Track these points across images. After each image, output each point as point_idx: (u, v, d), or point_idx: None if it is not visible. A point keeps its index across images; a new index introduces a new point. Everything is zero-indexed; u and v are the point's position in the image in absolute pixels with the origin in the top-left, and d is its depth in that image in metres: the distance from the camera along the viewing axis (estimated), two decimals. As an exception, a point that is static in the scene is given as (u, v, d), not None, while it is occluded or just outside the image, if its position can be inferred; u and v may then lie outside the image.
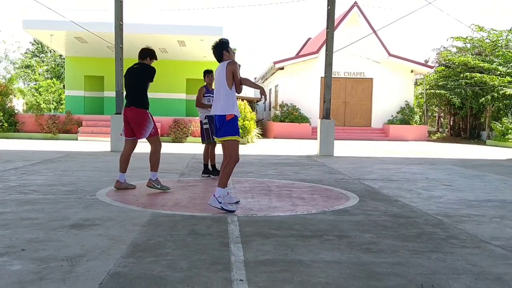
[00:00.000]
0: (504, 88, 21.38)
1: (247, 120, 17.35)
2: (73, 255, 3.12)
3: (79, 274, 2.76)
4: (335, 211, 4.80)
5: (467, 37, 24.59)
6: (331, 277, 2.81)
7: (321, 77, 20.95)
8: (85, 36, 17.64)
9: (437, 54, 27.77)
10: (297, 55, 26.13)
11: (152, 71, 6.01)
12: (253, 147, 15.57)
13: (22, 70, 40.79)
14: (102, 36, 16.81)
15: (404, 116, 23.10)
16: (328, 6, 12.10)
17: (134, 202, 5.06)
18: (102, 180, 6.68)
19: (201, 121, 7.25)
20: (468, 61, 22.85)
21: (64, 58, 28.79)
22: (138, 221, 4.15)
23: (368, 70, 23.64)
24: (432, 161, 11.10)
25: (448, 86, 23.63)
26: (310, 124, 21.96)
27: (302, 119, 22.20)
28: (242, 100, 18.57)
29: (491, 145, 19.79)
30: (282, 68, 23.44)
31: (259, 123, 24.40)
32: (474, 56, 23.84)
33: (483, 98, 21.96)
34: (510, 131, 19.39)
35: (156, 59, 6.16)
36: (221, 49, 4.81)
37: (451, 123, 27.01)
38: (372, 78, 23.78)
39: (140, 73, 5.96)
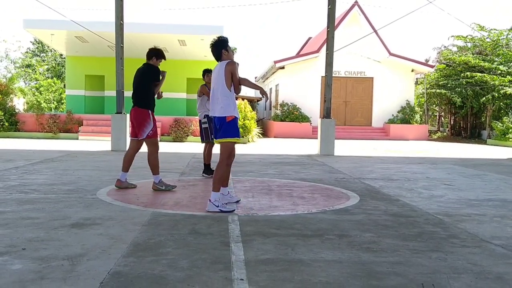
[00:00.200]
0: (504, 88, 21.36)
1: (248, 119, 17.35)
2: (74, 254, 3.12)
3: (80, 273, 2.76)
4: (336, 211, 4.80)
5: (467, 36, 24.57)
6: (331, 277, 2.81)
7: (322, 77, 20.93)
8: (85, 35, 17.64)
9: (437, 53, 27.75)
10: (298, 55, 26.12)
11: (156, 71, 5.96)
12: (254, 146, 15.57)
13: (22, 69, 40.79)
14: (102, 36, 16.81)
15: (405, 116, 23.09)
16: (328, 6, 12.09)
17: (134, 202, 5.06)
18: (103, 180, 6.69)
19: (200, 121, 7.24)
20: (468, 60, 22.83)
21: (64, 58, 28.81)
22: (139, 220, 4.16)
23: (369, 69, 23.62)
24: (433, 161, 11.10)
25: (449, 85, 23.61)
26: (310, 123, 21.95)
27: (303, 118, 22.19)
28: (243, 99, 18.58)
29: (491, 145, 19.77)
30: (283, 68, 23.43)
31: (260, 122, 24.40)
32: (474, 55, 23.82)
33: (484, 98, 21.95)
34: (510, 130, 19.37)
35: (163, 58, 6.03)
36: (220, 48, 4.72)
37: (452, 123, 27.00)
38: (372, 78, 23.77)
39: (144, 74, 5.94)
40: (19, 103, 28.04)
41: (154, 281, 2.67)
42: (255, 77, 34.39)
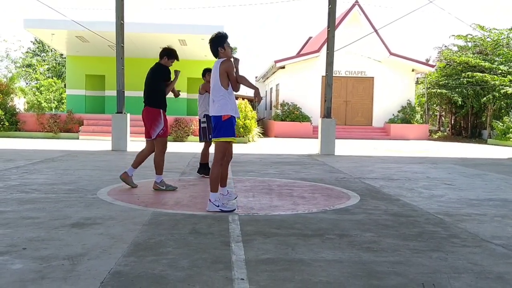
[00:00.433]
0: (505, 87, 21.35)
1: (248, 119, 17.35)
2: (74, 254, 3.12)
3: (80, 273, 2.76)
4: (336, 210, 4.80)
5: (467, 35, 24.54)
6: (332, 276, 2.81)
7: (322, 76, 20.92)
8: (86, 35, 17.65)
9: (438, 53, 27.74)
10: (298, 54, 26.11)
11: (165, 71, 5.94)
12: (254, 146, 15.57)
13: (23, 69, 40.80)
14: (103, 35, 16.82)
15: (405, 115, 23.08)
16: (329, 5, 12.09)
17: (135, 201, 5.06)
18: (103, 179, 6.69)
19: (199, 120, 7.24)
20: (469, 60, 22.81)
21: (65, 57, 28.81)
22: (139, 220, 4.16)
23: (369, 69, 23.61)
24: (433, 160, 11.09)
25: (449, 85, 23.60)
26: (311, 123, 21.95)
27: (303, 118, 22.19)
28: (243, 99, 18.57)
29: (492, 144, 19.76)
30: (283, 67, 23.42)
31: (260, 122, 24.40)
32: (475, 55, 23.80)
33: (485, 98, 21.93)
34: (511, 130, 19.36)
35: (175, 59, 6.01)
36: (216, 45, 4.61)
37: (452, 122, 26.99)
38: (373, 77, 23.76)
39: (154, 73, 5.94)
40: (19, 103, 28.03)
41: (154, 280, 2.67)
42: (256, 77, 34.39)
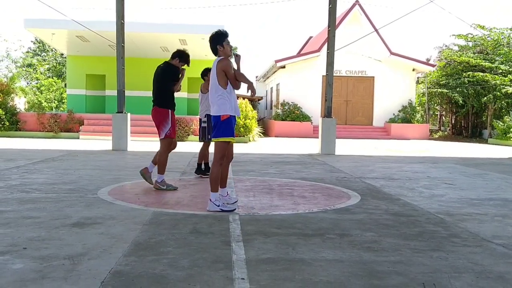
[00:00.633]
0: (506, 87, 21.33)
1: (249, 118, 17.35)
2: (75, 253, 3.12)
3: (81, 272, 2.76)
4: (337, 210, 4.80)
5: (467, 34, 24.53)
6: (332, 276, 2.81)
7: (323, 76, 20.91)
8: (86, 35, 17.65)
9: (439, 53, 27.73)
10: (299, 54, 26.11)
11: (175, 71, 5.93)
12: (255, 145, 15.57)
13: (23, 69, 40.82)
14: (103, 35, 16.82)
15: (406, 115, 23.07)
16: (329, 5, 12.08)
17: (135, 201, 5.06)
18: (104, 179, 6.69)
19: (200, 119, 7.23)
20: (469, 60, 22.80)
21: (65, 57, 28.81)
22: (140, 219, 4.16)
23: (370, 68, 23.61)
24: (434, 160, 11.09)
25: (450, 84, 23.59)
26: (311, 122, 21.95)
27: (304, 117, 22.18)
28: (243, 98, 18.57)
29: (492, 144, 19.75)
30: (284, 67, 23.42)
31: (261, 121, 24.40)
32: (475, 54, 23.78)
33: (485, 97, 21.91)
34: (511, 129, 19.34)
35: (186, 63, 6.00)
36: (215, 43, 4.58)
37: (453, 122, 26.97)
38: (373, 77, 23.75)
39: (163, 73, 5.92)
40: (20, 103, 28.04)
41: (155, 280, 2.67)
42: (256, 77, 34.41)
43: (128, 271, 2.81)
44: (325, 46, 14.06)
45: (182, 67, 6.04)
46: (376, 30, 22.30)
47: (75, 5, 62.83)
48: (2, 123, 17.40)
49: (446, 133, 27.43)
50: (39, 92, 34.58)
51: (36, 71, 40.45)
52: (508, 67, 22.20)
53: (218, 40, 4.59)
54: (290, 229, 3.92)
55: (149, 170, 5.99)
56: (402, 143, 18.93)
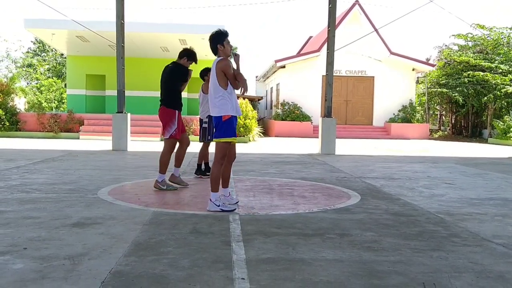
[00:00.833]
0: (506, 87, 21.33)
1: (249, 118, 17.35)
2: (75, 253, 3.12)
3: (81, 272, 2.76)
4: (337, 210, 4.80)
5: (467, 34, 24.52)
6: (332, 276, 2.81)
7: (323, 76, 20.91)
8: (86, 35, 17.65)
9: (438, 52, 27.73)
10: (299, 54, 26.11)
11: (184, 71, 5.94)
12: (255, 145, 15.57)
13: (23, 69, 40.82)
14: (103, 35, 16.82)
15: (406, 115, 23.07)
16: (329, 5, 12.08)
17: (135, 201, 5.06)
18: (104, 179, 6.69)
19: (201, 120, 7.22)
20: (469, 60, 22.79)
21: (65, 57, 28.80)
22: (140, 219, 4.16)
23: (370, 68, 23.61)
24: (434, 160, 11.09)
25: (450, 84, 23.59)
26: (311, 122, 21.95)
27: (304, 117, 22.18)
28: (244, 98, 18.57)
29: (492, 143, 19.75)
30: (284, 67, 23.42)
31: (261, 121, 24.40)
32: (475, 54, 23.78)
33: (486, 97, 21.90)
34: (511, 129, 19.34)
35: (194, 61, 5.98)
36: (216, 42, 4.57)
37: (453, 121, 26.96)
38: (373, 77, 23.75)
39: (171, 73, 5.93)
40: (20, 103, 28.04)
41: (155, 280, 2.67)
42: (256, 77, 34.41)
43: (128, 271, 2.81)
44: (325, 46, 14.06)
45: (190, 65, 6.03)
46: (376, 30, 22.30)
47: (75, 5, 62.80)
48: (2, 123, 17.40)
49: (446, 132, 27.43)
50: (39, 92, 34.59)
51: (36, 71, 40.45)
52: (508, 67, 22.20)
53: (219, 39, 4.58)
54: (290, 229, 3.92)
55: (176, 174, 6.02)
56: (402, 142, 18.93)
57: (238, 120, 15.63)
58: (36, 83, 37.95)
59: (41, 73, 39.96)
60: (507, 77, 21.53)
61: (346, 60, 22.45)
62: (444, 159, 11.44)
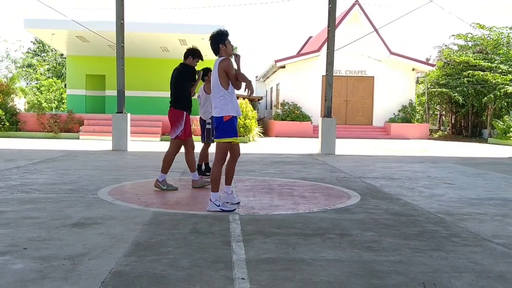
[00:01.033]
0: (506, 86, 21.33)
1: (249, 118, 17.35)
2: (75, 253, 3.12)
3: (81, 272, 2.76)
4: (337, 210, 4.80)
5: (467, 34, 24.53)
6: (332, 276, 2.81)
7: (323, 76, 20.91)
8: (86, 35, 17.65)
9: (438, 52, 27.73)
10: (298, 54, 26.11)
11: (191, 72, 5.95)
12: (254, 145, 15.57)
13: (23, 69, 40.82)
14: (103, 35, 16.82)
15: (406, 115, 23.07)
16: (329, 5, 12.08)
17: (135, 201, 5.06)
18: (104, 179, 6.69)
19: (204, 120, 7.21)
20: (469, 60, 22.80)
21: (65, 57, 28.81)
22: (140, 219, 4.16)
23: (370, 68, 23.60)
24: (434, 159, 11.09)
25: (450, 84, 23.59)
26: (311, 122, 21.95)
27: (303, 117, 22.18)
28: (244, 98, 18.57)
29: (492, 143, 19.75)
30: (284, 67, 23.42)
31: (260, 121, 24.40)
32: (475, 54, 23.78)
33: (486, 97, 21.90)
34: (511, 129, 19.34)
35: (200, 58, 5.99)
36: (217, 42, 4.60)
37: (453, 121, 26.97)
38: (373, 77, 23.75)
39: (178, 74, 5.95)
40: (20, 103, 28.05)
41: (155, 280, 2.67)
42: (256, 77, 34.40)
43: (128, 271, 2.81)
44: (325, 46, 14.07)
45: (197, 63, 6.03)
46: (375, 30, 22.30)
47: (75, 5, 62.81)
48: (2, 123, 17.39)
49: (446, 132, 27.43)
50: (39, 92, 34.58)
51: (36, 71, 40.46)
52: (508, 67, 22.20)
53: (220, 39, 4.60)
54: (290, 229, 3.92)
55: (195, 178, 6.05)
56: (402, 142, 18.93)
57: (238, 120, 15.64)
58: (36, 83, 37.95)
59: (41, 73, 39.97)
60: (507, 77, 21.51)
61: (346, 60, 22.45)
62: (444, 159, 11.45)
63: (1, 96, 18.16)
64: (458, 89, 22.99)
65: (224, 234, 3.72)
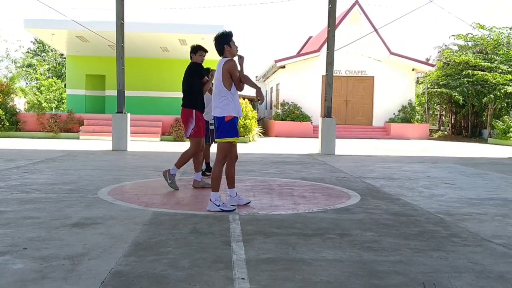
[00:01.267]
0: (505, 87, 21.33)
1: (249, 119, 17.35)
2: (75, 253, 3.12)
3: (81, 272, 2.76)
4: (337, 210, 4.80)
5: (467, 34, 24.54)
6: (332, 276, 2.81)
7: (322, 76, 20.92)
8: (86, 35, 17.66)
9: (438, 52, 27.74)
10: (298, 54, 26.11)
11: (198, 68, 5.98)
12: (254, 145, 15.57)
13: (23, 69, 40.82)
14: (103, 35, 16.82)
15: (406, 115, 23.07)
16: (329, 5, 12.08)
17: (135, 201, 5.06)
18: (104, 179, 6.69)
19: (207, 122, 7.20)
20: (469, 60, 22.80)
21: (65, 57, 28.81)
22: (140, 219, 4.16)
23: (369, 68, 23.61)
24: (434, 160, 11.09)
25: (450, 84, 23.59)
26: (311, 122, 21.95)
27: (303, 117, 22.18)
28: (244, 98, 18.57)
29: (492, 144, 19.75)
30: (284, 67, 23.42)
31: (260, 121, 24.40)
32: (475, 54, 23.79)
33: (486, 98, 21.90)
34: (511, 129, 19.35)
35: (201, 50, 6.01)
36: (222, 42, 4.62)
37: (453, 122, 26.97)
38: (373, 77, 23.75)
39: (187, 73, 5.99)
40: (20, 103, 28.05)
41: (155, 280, 2.67)
42: (256, 76, 34.37)
43: (128, 271, 2.81)
44: (325, 46, 14.07)
45: (202, 57, 6.03)
46: (375, 30, 22.30)
47: (75, 5, 62.81)
48: (2, 123, 17.39)
49: (446, 133, 27.43)
50: (39, 92, 34.58)
51: (36, 71, 40.45)
52: (508, 67, 22.20)
53: (225, 40, 4.64)
54: (290, 229, 3.92)
55: (197, 179, 6.11)
56: (402, 143, 18.94)
57: (238, 120, 15.68)
58: (36, 83, 37.95)
59: (41, 73, 39.96)
60: (507, 76, 21.51)
61: (346, 60, 22.46)
62: (444, 159, 11.45)
63: (1, 96, 18.15)
64: (458, 89, 22.99)
65: (224, 234, 3.72)
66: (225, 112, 4.56)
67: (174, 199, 5.28)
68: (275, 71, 25.06)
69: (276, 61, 23.13)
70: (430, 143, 19.12)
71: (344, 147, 14.46)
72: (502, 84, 21.49)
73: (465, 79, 22.65)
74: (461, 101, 22.85)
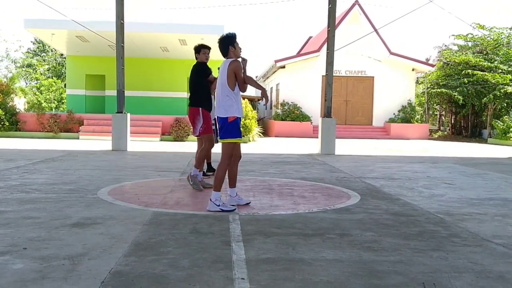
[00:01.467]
0: (505, 87, 21.33)
1: (249, 119, 17.35)
2: (75, 253, 3.12)
3: (81, 272, 2.76)
4: (337, 210, 4.80)
5: (467, 34, 24.54)
6: (332, 276, 2.81)
7: (322, 76, 20.93)
8: (86, 35, 17.66)
9: (438, 52, 27.74)
10: (298, 54, 26.11)
11: (203, 67, 6.06)
12: (254, 145, 15.57)
13: (23, 69, 40.81)
14: (103, 35, 16.82)
15: (406, 115, 23.08)
16: (329, 5, 12.08)
17: (135, 201, 5.06)
18: (104, 179, 6.69)
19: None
20: (469, 60, 22.80)
21: (65, 57, 28.80)
22: (140, 219, 4.16)
23: (369, 68, 23.61)
24: (434, 160, 11.09)
25: (450, 84, 23.60)
26: (311, 122, 21.95)
27: (303, 117, 22.19)
28: (244, 98, 18.58)
29: (492, 144, 19.76)
30: (283, 67, 23.43)
31: (260, 121, 24.40)
32: (475, 54, 23.79)
33: (486, 98, 21.91)
34: (511, 129, 19.35)
35: (204, 48, 6.09)
36: (227, 44, 4.66)
37: (453, 122, 26.97)
38: (373, 77, 23.75)
39: (193, 73, 6.09)
40: (19, 103, 28.04)
41: (155, 280, 2.67)
42: (256, 76, 34.39)
43: (128, 271, 2.81)
44: (325, 46, 14.07)
45: (206, 55, 6.09)
46: (375, 30, 22.31)
47: (75, 5, 62.79)
48: (2, 123, 17.39)
49: (445, 133, 27.44)
50: (38, 92, 34.59)
51: (36, 71, 40.44)
52: (508, 67, 22.20)
53: (230, 41, 4.69)
54: (290, 229, 3.92)
55: (194, 173, 6.06)
56: (402, 143, 18.94)
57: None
58: (36, 83, 37.95)
59: (41, 73, 39.95)
60: (507, 76, 21.51)
61: (346, 60, 22.46)
62: (444, 159, 11.45)
63: (1, 96, 18.15)
64: (458, 89, 22.99)
65: (224, 234, 3.72)
66: (228, 113, 4.59)
67: (174, 199, 5.28)
68: (275, 71, 25.06)
69: (276, 61, 23.13)
70: (430, 143, 19.12)
71: (344, 147, 14.46)
72: (502, 84, 21.50)
73: (465, 79, 22.65)
74: (461, 101, 22.85)
